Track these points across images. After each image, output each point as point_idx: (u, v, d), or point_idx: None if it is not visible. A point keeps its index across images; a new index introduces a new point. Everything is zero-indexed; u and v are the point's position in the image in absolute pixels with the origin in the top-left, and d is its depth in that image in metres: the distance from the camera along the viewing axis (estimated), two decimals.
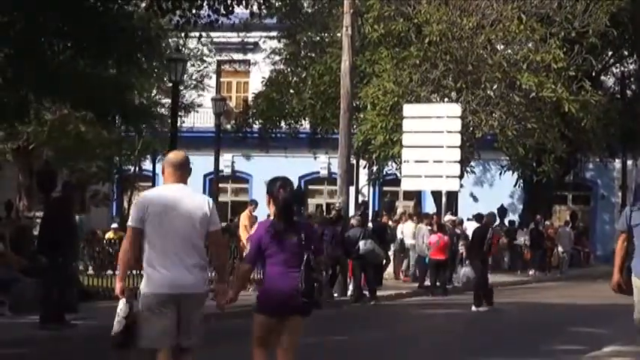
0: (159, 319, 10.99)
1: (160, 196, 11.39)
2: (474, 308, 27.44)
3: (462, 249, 36.24)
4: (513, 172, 47.62)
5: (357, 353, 18.64)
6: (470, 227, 38.41)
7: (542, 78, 39.22)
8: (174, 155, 11.58)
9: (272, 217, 11.76)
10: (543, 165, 42.20)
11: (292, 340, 11.77)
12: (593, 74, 46.06)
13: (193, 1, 21.04)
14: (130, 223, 11.23)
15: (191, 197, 11.34)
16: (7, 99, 25.35)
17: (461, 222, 38.09)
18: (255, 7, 25.73)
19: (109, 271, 29.92)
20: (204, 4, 21.34)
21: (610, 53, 49.60)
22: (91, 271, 27.68)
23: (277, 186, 11.67)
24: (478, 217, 39.80)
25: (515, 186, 50.32)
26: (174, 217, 11.12)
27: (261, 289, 11.82)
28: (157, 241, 11.08)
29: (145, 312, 11.05)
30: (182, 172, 11.44)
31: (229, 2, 21.32)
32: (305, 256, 11.52)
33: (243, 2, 22.00)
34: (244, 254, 12.27)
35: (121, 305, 11.20)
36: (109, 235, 34.06)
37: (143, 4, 22.38)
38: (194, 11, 21.59)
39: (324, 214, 34.02)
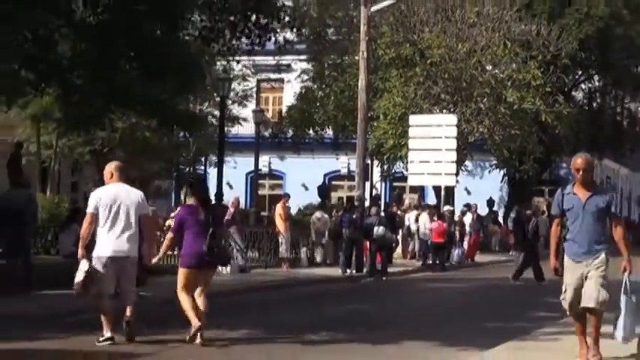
0: (106, 272, 13.49)
1: (108, 191, 13.77)
2: (512, 281, 27.72)
3: (457, 233, 36.31)
4: (500, 170, 47.66)
5: (375, 317, 18.67)
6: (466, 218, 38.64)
7: (523, 93, 39.32)
8: (114, 164, 14.11)
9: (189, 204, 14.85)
10: (524, 164, 42.28)
11: (204, 286, 14.03)
12: (566, 90, 46.02)
13: (233, 33, 21.07)
14: (88, 210, 13.67)
15: (128, 191, 13.81)
16: (86, 111, 25.46)
17: (463, 212, 38.24)
18: (288, 35, 25.82)
19: (169, 252, 30.08)
20: (243, 36, 21.37)
21: (579, 72, 49.61)
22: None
23: (195, 185, 15.17)
24: (467, 207, 40.04)
25: (501, 182, 50.31)
26: (117, 205, 13.54)
27: (182, 251, 14.05)
28: (105, 219, 13.50)
29: (96, 269, 13.48)
30: (121, 174, 13.97)
31: (263, 35, 21.35)
32: (210, 229, 13.83)
33: (273, 36, 21.99)
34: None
35: (82, 265, 13.53)
36: (169, 222, 34.06)
37: (195, 34, 22.41)
38: (234, 42, 21.63)
39: (344, 204, 34.07)
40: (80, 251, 13.63)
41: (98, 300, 13.66)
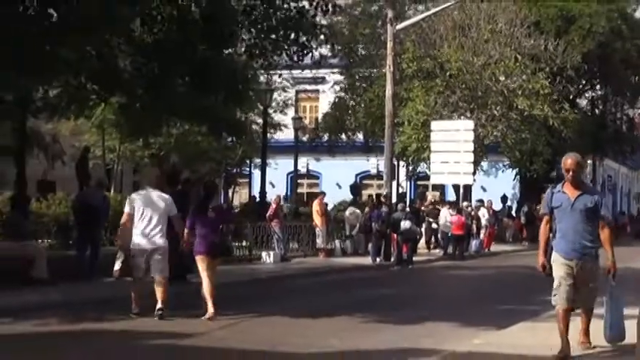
0: (142, 260, 14.50)
1: (143, 195, 14.88)
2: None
3: (474, 226, 36.16)
4: (512, 170, 47.44)
5: (402, 300, 18.64)
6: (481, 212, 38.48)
7: (533, 101, 39.14)
8: (153, 171, 14.70)
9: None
10: (534, 164, 42.06)
11: (213, 270, 14.85)
12: (571, 98, 45.74)
13: (275, 50, 21.05)
14: (125, 210, 14.76)
15: (158, 196, 14.81)
16: (144, 119, 25.57)
17: (477, 207, 38.06)
18: (323, 51, 25.83)
19: None
20: (284, 52, 21.35)
21: (583, 82, 49.29)
22: None
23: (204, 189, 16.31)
24: (480, 202, 39.89)
25: (513, 180, 50.06)
26: (149, 207, 14.55)
27: (197, 243, 14.83)
28: (141, 220, 14.51)
29: (134, 257, 14.57)
30: (157, 182, 15.59)
31: (302, 51, 21.32)
32: (220, 226, 15.17)
33: (312, 52, 21.97)
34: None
35: (119, 254, 14.87)
36: None
37: (242, 50, 22.43)
38: (276, 57, 21.61)
39: (374, 201, 34.03)
40: (119, 243, 15.31)
41: (134, 283, 14.80)
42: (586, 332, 10.66)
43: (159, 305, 14.31)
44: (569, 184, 10.45)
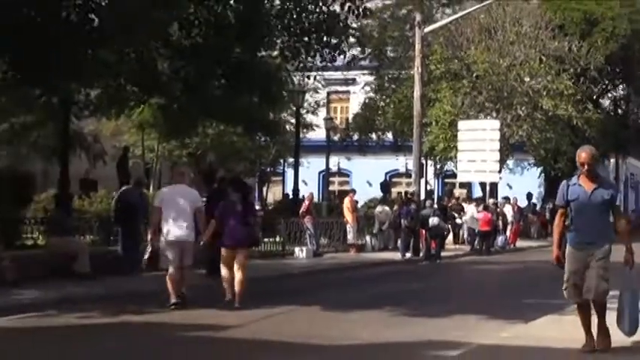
0: (170, 252, 14.66)
1: (171, 190, 15.23)
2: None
3: (499, 222, 35.99)
4: (537, 168, 47.20)
5: (430, 294, 18.58)
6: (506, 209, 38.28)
7: (557, 101, 38.94)
8: (178, 169, 15.47)
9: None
10: (559, 163, 41.75)
11: (241, 262, 14.78)
12: (594, 98, 45.40)
13: (308, 52, 21.05)
14: (155, 204, 15.14)
15: (186, 191, 15.05)
16: (182, 120, 25.65)
17: (502, 204, 37.87)
18: (354, 53, 25.81)
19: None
20: (316, 54, 21.34)
21: (606, 83, 48.92)
22: None
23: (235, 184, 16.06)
24: (505, 199, 39.72)
25: (538, 178, 49.80)
26: (178, 201, 14.70)
27: (225, 236, 14.91)
28: (168, 212, 14.66)
29: (164, 249, 14.78)
30: (182, 177, 15.72)
31: (333, 53, 21.30)
32: (247, 218, 15.06)
33: (344, 54, 21.94)
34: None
35: (149, 246, 15.22)
36: None
37: (275, 53, 22.45)
38: (309, 59, 21.61)
39: (403, 198, 33.99)
40: (149, 235, 15.47)
41: (166, 273, 14.85)
42: (601, 330, 10.20)
43: (179, 300, 14.58)
44: (584, 177, 10.09)
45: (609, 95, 51.70)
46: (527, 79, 39.93)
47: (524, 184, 47.87)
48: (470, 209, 35.21)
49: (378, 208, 33.16)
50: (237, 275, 14.74)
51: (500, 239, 35.55)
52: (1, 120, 29.60)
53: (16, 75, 17.87)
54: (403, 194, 36.23)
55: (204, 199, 18.92)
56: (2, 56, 17.36)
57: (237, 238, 14.86)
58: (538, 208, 47.09)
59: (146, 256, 15.22)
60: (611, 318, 10.28)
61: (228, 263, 14.90)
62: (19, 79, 17.97)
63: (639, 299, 10.29)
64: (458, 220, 35.40)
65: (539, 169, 47.63)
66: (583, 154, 10.10)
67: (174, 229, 14.65)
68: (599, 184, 10.14)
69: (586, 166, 10.02)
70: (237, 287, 14.69)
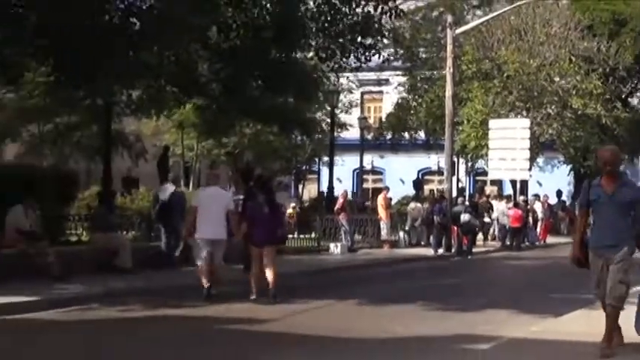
0: (203, 249, 15.22)
1: (206, 192, 16.27)
2: None
3: (529, 219, 35.81)
4: (567, 166, 46.87)
5: (462, 289, 18.51)
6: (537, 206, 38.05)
7: (586, 100, 38.62)
8: (212, 172, 15.51)
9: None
10: (588, 161, 41.41)
11: (270, 259, 15.08)
12: (623, 97, 44.95)
13: (343, 53, 21.04)
14: (192, 204, 15.91)
15: (219, 192, 15.91)
16: (220, 120, 25.76)
17: (532, 201, 37.65)
18: (386, 55, 25.77)
19: (290, 235, 30.19)
20: (351, 55, 21.32)
21: (635, 82, 48.41)
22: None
23: (264, 185, 16.79)
24: (535, 196, 39.49)
25: (568, 175, 49.44)
26: (212, 202, 15.24)
27: (253, 235, 15.26)
28: (203, 212, 15.17)
29: (198, 246, 15.37)
30: (215, 180, 16.22)
31: (367, 54, 21.27)
32: (274, 217, 15.43)
33: (378, 54, 21.90)
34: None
35: (182, 243, 16.65)
36: (289, 211, 34.28)
37: (310, 54, 22.45)
38: (343, 59, 21.59)
39: (435, 196, 33.94)
40: (185, 233, 16.43)
41: (198, 268, 15.49)
42: (612, 331, 9.71)
43: (213, 291, 15.08)
44: (607, 178, 9.56)
45: (638, 94, 51.16)
46: (556, 78, 39.65)
47: (554, 181, 47.53)
48: (500, 206, 35.05)
49: (411, 205, 33.11)
50: (268, 272, 14.99)
51: (530, 235, 35.38)
52: (47, 121, 29.87)
53: (60, 77, 18.02)
54: (435, 191, 36.12)
55: (241, 196, 19.01)
56: (47, 59, 17.51)
57: (264, 236, 15.13)
58: (568, 205, 46.78)
59: (178, 252, 16.16)
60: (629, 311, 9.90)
61: (258, 260, 15.23)
62: (63, 81, 18.12)
63: None
64: (486, 219, 35.21)
65: (569, 167, 47.26)
66: (606, 153, 9.68)
67: (206, 228, 15.16)
68: (622, 185, 9.62)
69: (608, 167, 9.54)
70: (270, 282, 14.88)
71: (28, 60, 17.60)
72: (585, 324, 11.66)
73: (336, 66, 22.15)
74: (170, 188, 21.22)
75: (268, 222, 15.19)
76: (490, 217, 34.96)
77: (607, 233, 9.47)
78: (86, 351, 10.63)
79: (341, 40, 20.65)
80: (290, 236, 29.19)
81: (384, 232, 30.50)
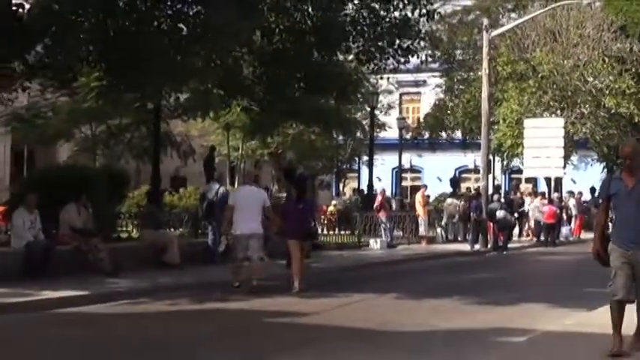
0: (242, 244, 15.37)
1: (242, 190, 16.51)
2: None
3: (563, 215, 35.51)
4: (600, 164, 46.48)
5: (498, 283, 18.41)
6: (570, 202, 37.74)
7: (619, 100, 38.23)
8: (248, 173, 16.97)
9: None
10: (621, 159, 41.06)
11: (302, 253, 15.70)
12: None
13: (382, 55, 21.01)
14: (229, 202, 15.98)
15: (255, 191, 16.02)
16: (264, 121, 25.80)
17: (566, 198, 37.35)
18: (423, 57, 25.67)
19: (331, 232, 30.21)
20: (390, 57, 21.28)
21: None
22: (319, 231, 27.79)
23: (296, 182, 17.59)
24: (570, 193, 39.16)
25: (601, 173, 48.97)
26: (248, 200, 15.46)
27: (287, 229, 15.86)
28: (239, 210, 15.40)
29: (236, 241, 15.56)
30: (251, 180, 17.68)
31: (406, 56, 21.22)
32: (306, 213, 16.12)
33: (416, 56, 21.84)
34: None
35: (223, 239, 16.84)
36: (331, 208, 34.31)
37: (351, 57, 22.43)
38: (383, 61, 21.55)
39: (472, 193, 33.78)
40: (223, 229, 16.69)
41: (235, 262, 15.70)
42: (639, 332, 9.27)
43: (254, 283, 15.25)
44: (626, 172, 9.12)
45: None
46: (590, 78, 39.30)
47: (587, 178, 47.07)
48: (535, 203, 34.82)
49: (448, 201, 33.05)
50: (295, 264, 15.60)
51: (564, 231, 35.12)
52: (99, 123, 30.07)
53: (112, 81, 18.16)
54: (472, 189, 35.94)
55: (285, 194, 19.14)
56: (100, 63, 17.65)
57: (295, 232, 15.73)
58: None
59: (221, 249, 16.43)
60: None
61: (293, 254, 15.77)
62: (115, 84, 18.26)
63: None
64: (516, 215, 34.97)
65: (602, 165, 46.86)
66: (626, 147, 9.27)
67: (242, 224, 15.39)
68: None
69: (627, 160, 9.08)
70: (296, 274, 15.40)
71: (81, 65, 17.73)
72: None
73: (376, 68, 22.12)
74: (216, 187, 21.26)
75: (298, 217, 15.77)
76: (518, 212, 34.67)
77: (627, 229, 8.98)
78: (136, 342, 10.70)
79: (380, 43, 20.62)
80: (331, 232, 29.26)
81: (422, 229, 30.43)
